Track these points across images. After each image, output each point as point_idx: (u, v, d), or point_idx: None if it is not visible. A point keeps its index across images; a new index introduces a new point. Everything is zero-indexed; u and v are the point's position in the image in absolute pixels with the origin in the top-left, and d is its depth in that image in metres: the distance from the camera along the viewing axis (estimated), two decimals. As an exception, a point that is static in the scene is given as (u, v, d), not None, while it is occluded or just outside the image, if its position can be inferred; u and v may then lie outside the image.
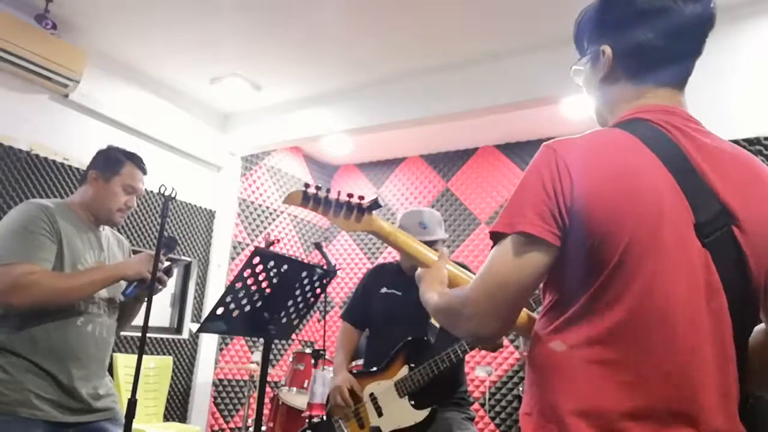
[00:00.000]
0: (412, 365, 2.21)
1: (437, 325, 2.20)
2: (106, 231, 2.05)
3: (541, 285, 0.97)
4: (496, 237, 0.92)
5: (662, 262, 0.85)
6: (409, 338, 2.26)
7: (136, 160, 2.02)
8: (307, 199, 1.29)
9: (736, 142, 2.85)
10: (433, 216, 2.44)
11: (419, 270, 1.24)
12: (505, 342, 4.35)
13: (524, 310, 1.17)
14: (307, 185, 1.32)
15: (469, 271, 1.36)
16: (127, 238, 2.68)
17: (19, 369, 1.71)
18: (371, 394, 2.27)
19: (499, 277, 0.89)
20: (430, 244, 2.29)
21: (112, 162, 1.97)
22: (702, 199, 0.87)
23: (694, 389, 0.83)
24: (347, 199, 1.30)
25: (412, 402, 2.17)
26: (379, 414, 2.22)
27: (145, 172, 2.04)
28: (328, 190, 1.31)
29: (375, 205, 1.29)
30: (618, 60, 0.98)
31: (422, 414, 2.14)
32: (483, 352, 4.44)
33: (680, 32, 0.94)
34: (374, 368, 2.32)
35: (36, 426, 1.69)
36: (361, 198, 1.30)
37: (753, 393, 0.91)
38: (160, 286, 1.93)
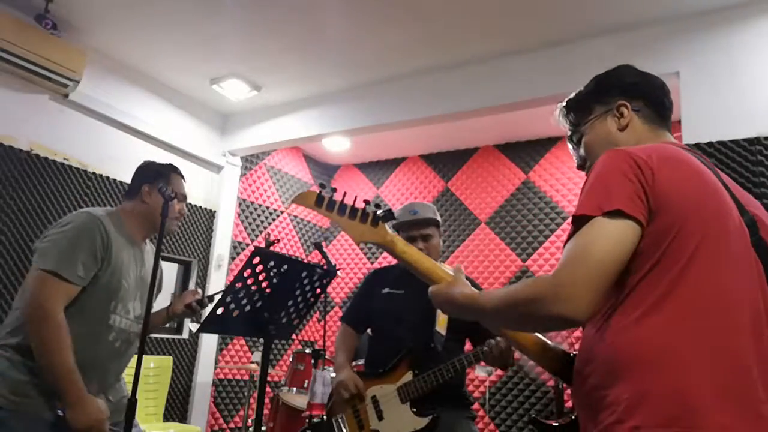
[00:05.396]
0: (417, 372, 2.18)
1: (443, 333, 2.19)
2: (147, 246, 2.11)
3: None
4: (581, 222, 0.94)
5: (733, 259, 0.94)
6: (415, 344, 2.23)
7: (177, 169, 2.12)
8: (320, 201, 1.26)
9: (736, 142, 2.86)
10: (426, 205, 2.42)
11: (435, 286, 1.21)
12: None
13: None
14: (322, 185, 1.28)
15: (477, 287, 1.35)
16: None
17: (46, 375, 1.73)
18: (373, 397, 2.24)
19: (596, 256, 0.90)
20: (421, 224, 2.31)
21: (160, 174, 2.04)
22: (740, 209, 1.00)
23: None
24: (362, 205, 1.27)
25: (414, 409, 2.15)
26: (380, 418, 2.20)
27: (184, 179, 2.14)
28: (344, 195, 1.27)
29: (389, 215, 1.26)
30: (636, 112, 1.18)
31: (423, 421, 2.12)
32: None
33: (668, 93, 1.23)
34: (377, 370, 2.30)
35: (59, 429, 1.71)
36: (377, 206, 1.27)
37: None
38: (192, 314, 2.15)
